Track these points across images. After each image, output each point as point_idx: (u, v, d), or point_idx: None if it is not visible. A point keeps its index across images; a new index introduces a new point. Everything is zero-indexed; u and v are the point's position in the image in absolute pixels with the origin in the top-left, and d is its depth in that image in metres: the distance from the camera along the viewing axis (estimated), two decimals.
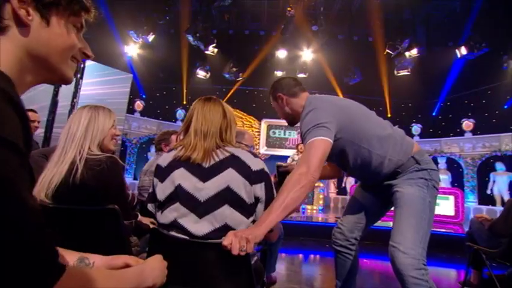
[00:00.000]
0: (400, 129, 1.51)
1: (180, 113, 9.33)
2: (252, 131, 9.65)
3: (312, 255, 4.00)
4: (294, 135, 9.50)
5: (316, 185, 7.43)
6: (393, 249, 1.27)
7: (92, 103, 1.35)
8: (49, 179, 1.17)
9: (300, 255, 3.94)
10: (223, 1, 7.53)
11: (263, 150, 9.47)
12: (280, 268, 3.12)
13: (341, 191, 8.90)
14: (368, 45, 9.18)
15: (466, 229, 5.43)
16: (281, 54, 8.98)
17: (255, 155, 1.07)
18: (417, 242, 1.26)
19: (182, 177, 1.02)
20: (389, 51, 8.02)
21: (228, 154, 1.04)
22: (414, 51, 7.91)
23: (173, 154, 1.09)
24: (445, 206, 6.06)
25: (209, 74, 9.16)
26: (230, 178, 0.99)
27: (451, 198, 6.06)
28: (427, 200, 1.34)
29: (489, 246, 2.48)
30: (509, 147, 7.28)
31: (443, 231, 4.93)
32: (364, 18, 8.62)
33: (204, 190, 0.99)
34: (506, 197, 7.05)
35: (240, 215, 0.99)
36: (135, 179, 8.38)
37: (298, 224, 5.10)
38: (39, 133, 4.24)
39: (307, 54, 9.17)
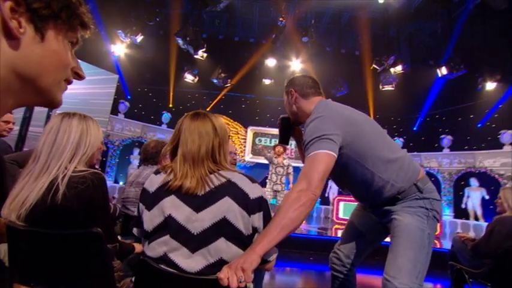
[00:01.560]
0: (408, 153, 1.43)
1: (165, 116, 9.08)
2: (238, 137, 9.56)
3: (295, 268, 3.93)
4: None
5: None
6: (387, 282, 1.18)
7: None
8: (24, 197, 1.03)
9: (283, 269, 3.85)
10: (216, 6, 7.45)
11: (248, 157, 9.39)
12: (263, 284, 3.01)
13: (324, 200, 8.90)
14: (355, 58, 9.36)
15: (444, 243, 5.58)
16: (270, 62, 8.99)
17: (253, 180, 0.98)
18: (413, 278, 1.16)
19: (173, 207, 0.92)
20: (375, 66, 8.19)
21: (224, 180, 0.94)
22: (399, 68, 8.10)
23: (162, 178, 0.97)
24: None
25: (197, 78, 8.98)
26: (227, 208, 0.90)
27: None
28: (426, 232, 1.24)
29: (472, 266, 2.53)
30: (482, 165, 7.58)
31: None
32: (352, 33, 8.80)
33: (198, 221, 0.89)
34: (479, 212, 7.34)
35: (236, 248, 0.91)
36: (115, 182, 8.08)
37: None
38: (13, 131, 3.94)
39: (296, 64, 9.21)
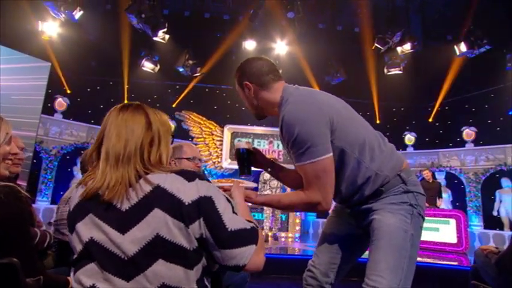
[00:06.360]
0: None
1: None
2: (213, 139, 9.30)
3: None
4: (264, 145, 9.24)
5: None
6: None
7: None
8: None
9: None
10: None
11: (226, 163, 9.11)
12: None
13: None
14: (354, 37, 9.28)
15: (472, 260, 5.41)
16: (249, 45, 8.80)
17: (190, 177, 0.96)
18: (394, 285, 1.28)
19: (94, 228, 0.93)
20: (378, 45, 8.09)
21: (150, 187, 0.93)
22: (407, 47, 8.02)
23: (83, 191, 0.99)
24: (446, 232, 5.98)
25: (158, 66, 8.81)
26: (158, 223, 0.90)
27: (453, 222, 5.99)
28: (409, 233, 1.35)
29: (498, 285, 2.46)
30: None
31: (445, 264, 4.79)
32: (350, 5, 8.71)
33: (125, 244, 0.90)
34: None
35: (181, 269, 0.91)
36: (53, 203, 7.66)
37: (269, 257, 4.80)
38: None
39: (281, 47, 9.06)
